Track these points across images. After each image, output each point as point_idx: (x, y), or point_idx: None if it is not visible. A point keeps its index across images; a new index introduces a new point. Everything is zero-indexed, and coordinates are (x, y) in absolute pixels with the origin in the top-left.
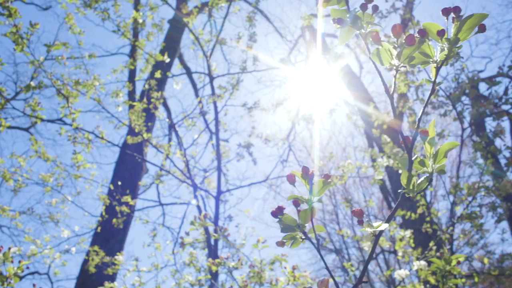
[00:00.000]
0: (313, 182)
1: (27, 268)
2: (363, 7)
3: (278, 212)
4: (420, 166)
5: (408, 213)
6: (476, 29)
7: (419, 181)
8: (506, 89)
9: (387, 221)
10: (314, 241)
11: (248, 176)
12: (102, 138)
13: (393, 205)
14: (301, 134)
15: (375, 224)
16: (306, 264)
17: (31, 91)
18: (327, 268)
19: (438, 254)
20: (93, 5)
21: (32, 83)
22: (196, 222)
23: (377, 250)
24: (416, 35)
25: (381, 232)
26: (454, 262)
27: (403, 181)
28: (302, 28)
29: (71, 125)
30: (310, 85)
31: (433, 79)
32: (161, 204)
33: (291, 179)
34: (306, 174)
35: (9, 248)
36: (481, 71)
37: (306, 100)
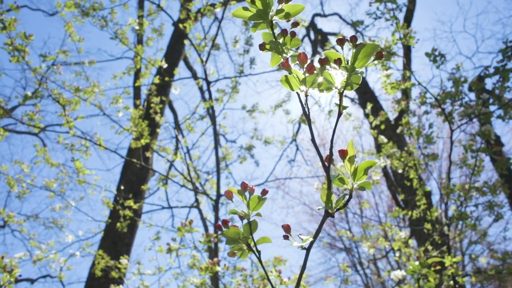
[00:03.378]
0: (251, 197)
1: (20, 275)
2: (283, 32)
3: (221, 227)
4: (340, 183)
5: (410, 213)
6: (373, 56)
7: (337, 199)
8: (493, 89)
9: (315, 236)
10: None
11: (256, 176)
12: (99, 145)
13: (400, 203)
14: (309, 133)
15: (304, 237)
16: (316, 263)
17: (33, 99)
18: (263, 267)
19: (435, 254)
20: (90, 13)
21: (29, 93)
22: (183, 228)
23: (387, 248)
24: (317, 63)
25: (311, 245)
26: (450, 263)
27: (322, 198)
28: (306, 28)
29: (68, 132)
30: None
31: (339, 103)
32: (170, 207)
33: (228, 195)
34: (244, 190)
35: (2, 257)
36: (488, 67)
37: (310, 99)
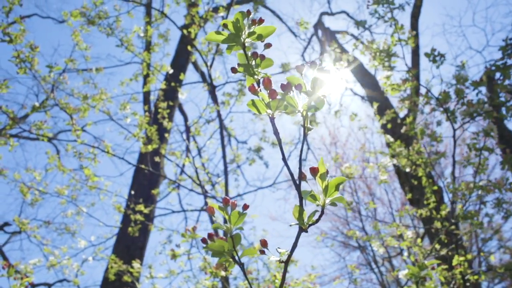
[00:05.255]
0: (232, 212)
1: (30, 284)
2: (254, 55)
3: (206, 240)
4: (312, 199)
5: (419, 211)
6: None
7: (309, 214)
8: (494, 88)
9: (291, 251)
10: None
11: (269, 176)
12: (107, 152)
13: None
14: (321, 132)
15: (281, 250)
16: (330, 262)
17: (41, 109)
18: (247, 279)
19: (444, 253)
20: (96, 22)
21: (37, 104)
22: (187, 235)
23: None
24: (279, 89)
25: (289, 258)
26: (458, 262)
27: (295, 214)
28: (314, 27)
29: (76, 141)
30: (324, 83)
31: (304, 125)
32: (182, 210)
33: (210, 211)
34: (226, 205)
35: (12, 266)
36: (493, 64)
37: (320, 98)
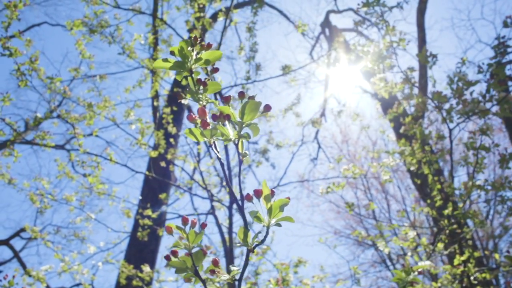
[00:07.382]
0: (190, 230)
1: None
2: (198, 82)
3: (169, 257)
4: (258, 220)
5: (425, 210)
6: (262, 109)
7: (253, 235)
8: (488, 87)
9: (243, 269)
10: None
11: (280, 176)
12: (110, 159)
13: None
14: (331, 130)
15: (233, 268)
16: (344, 261)
17: (43, 121)
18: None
19: (447, 253)
20: (98, 31)
21: (39, 115)
22: (181, 243)
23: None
24: (210, 119)
25: (241, 276)
26: (459, 262)
27: (240, 236)
28: (321, 25)
29: (78, 149)
30: (332, 81)
31: (240, 151)
32: (193, 214)
33: (168, 230)
34: (185, 224)
35: (13, 276)
36: (491, 58)
37: (328, 97)
